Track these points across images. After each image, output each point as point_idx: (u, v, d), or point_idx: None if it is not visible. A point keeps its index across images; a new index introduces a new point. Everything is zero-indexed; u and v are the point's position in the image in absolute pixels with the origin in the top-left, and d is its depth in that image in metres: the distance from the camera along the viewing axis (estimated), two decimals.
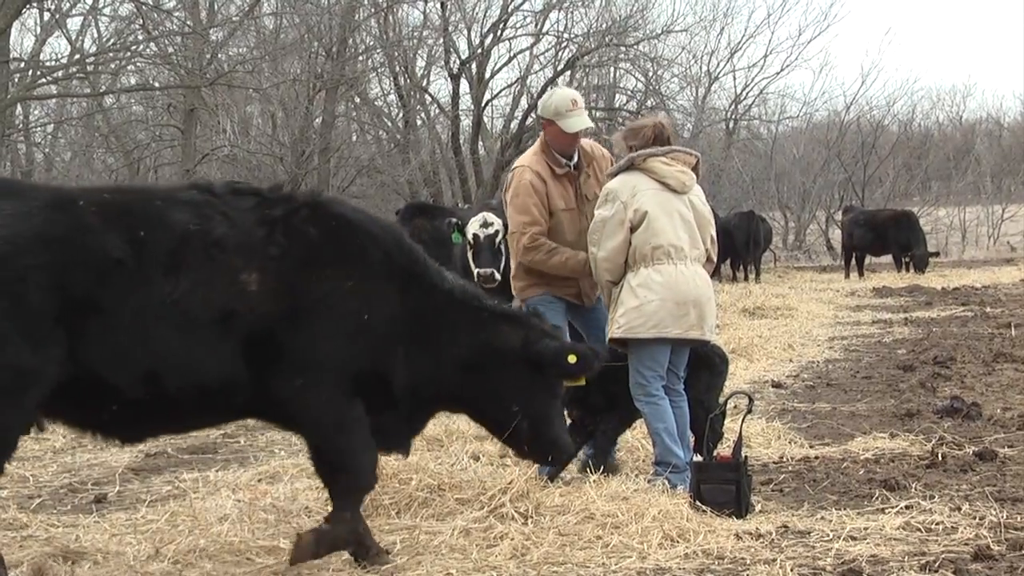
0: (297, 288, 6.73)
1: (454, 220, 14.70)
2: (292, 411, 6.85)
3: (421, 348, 7.10)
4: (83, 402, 6.57)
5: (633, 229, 8.73)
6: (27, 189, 6.76)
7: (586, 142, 9.67)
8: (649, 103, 38.18)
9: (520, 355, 7.33)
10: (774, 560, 6.98)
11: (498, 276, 13.72)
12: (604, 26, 36.31)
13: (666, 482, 8.56)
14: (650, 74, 38.04)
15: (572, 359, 7.36)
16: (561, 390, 7.59)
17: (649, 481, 8.63)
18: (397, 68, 35.85)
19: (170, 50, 28.96)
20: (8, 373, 6.21)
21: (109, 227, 6.47)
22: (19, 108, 30.91)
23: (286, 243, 6.75)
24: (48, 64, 28.88)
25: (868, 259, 35.66)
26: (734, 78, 48.47)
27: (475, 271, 13.94)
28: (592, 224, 8.96)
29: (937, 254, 37.92)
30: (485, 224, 14.01)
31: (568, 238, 9.34)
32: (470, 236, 14.09)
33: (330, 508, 7.10)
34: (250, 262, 6.63)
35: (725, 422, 9.47)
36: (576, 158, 9.46)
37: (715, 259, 9.21)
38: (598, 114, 36.44)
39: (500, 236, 13.90)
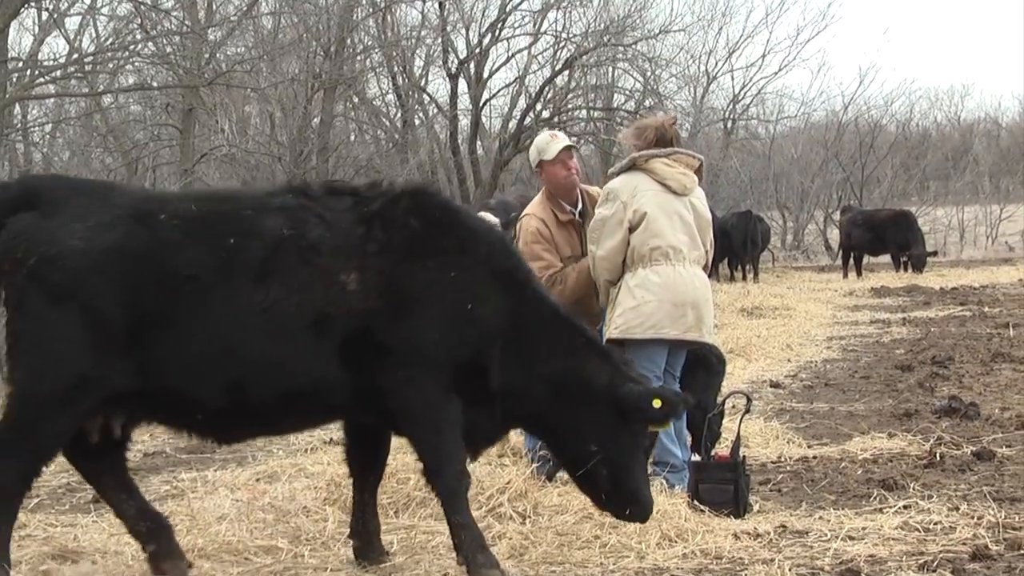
0: (399, 280, 6.63)
1: None
2: (393, 405, 6.71)
3: (514, 355, 6.91)
4: (169, 409, 6.61)
5: (632, 229, 8.72)
6: (115, 195, 6.71)
7: (593, 189, 9.64)
8: (647, 103, 38.13)
9: (605, 393, 6.99)
10: (772, 560, 6.99)
11: None
12: (602, 26, 36.26)
13: (664, 482, 8.56)
14: (648, 74, 37.98)
15: (657, 404, 7.00)
16: (644, 441, 7.24)
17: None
18: (395, 68, 35.83)
19: (168, 50, 28.93)
20: (69, 380, 6.30)
21: (190, 241, 6.47)
22: (17, 108, 30.89)
23: (385, 237, 6.67)
24: (46, 64, 28.81)
25: (866, 259, 35.66)
26: (732, 78, 48.49)
27: None
28: (591, 223, 8.96)
29: (935, 253, 37.93)
30: None
31: (572, 284, 9.32)
32: None
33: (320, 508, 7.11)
34: (348, 262, 6.56)
35: (723, 422, 9.47)
36: (581, 205, 9.43)
37: (710, 262, 9.21)
38: (596, 114, 36.47)
39: None
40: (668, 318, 8.70)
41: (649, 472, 8.79)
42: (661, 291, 8.67)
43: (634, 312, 8.69)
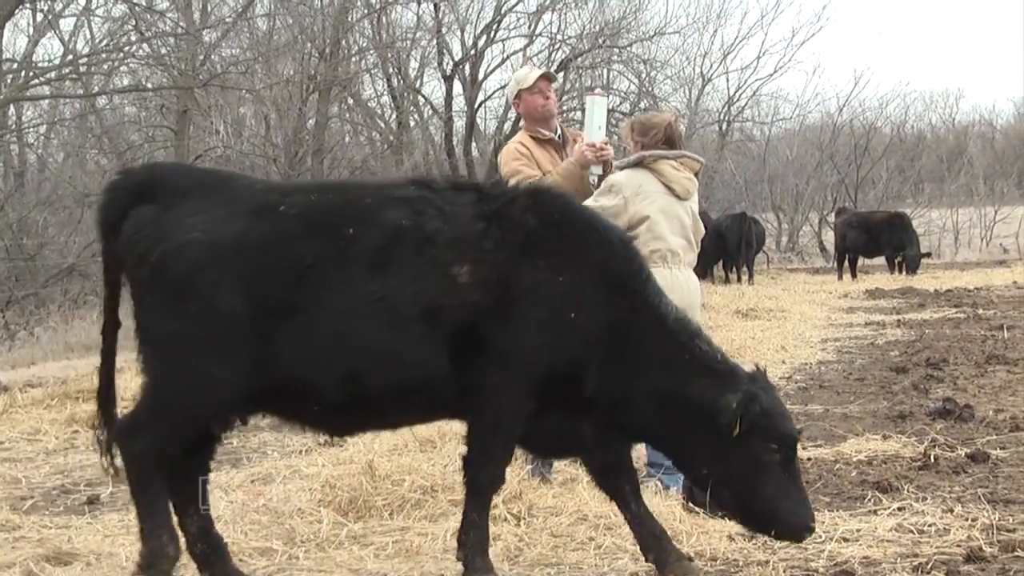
0: (508, 278, 6.49)
1: None
2: (476, 400, 6.53)
3: (617, 364, 6.65)
4: (285, 401, 6.56)
5: (629, 228, 8.70)
6: (235, 186, 6.67)
7: (571, 130, 9.73)
8: (642, 104, 38.18)
9: (707, 414, 6.58)
10: (767, 562, 7.00)
11: None
12: (597, 28, 36.32)
13: (659, 483, 8.56)
14: (643, 76, 38.06)
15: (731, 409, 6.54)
16: (771, 456, 6.66)
17: (642, 482, 8.63)
18: (390, 69, 35.83)
19: (163, 51, 28.94)
20: (192, 378, 6.33)
21: (310, 232, 6.43)
22: (12, 109, 30.89)
23: (501, 234, 6.54)
24: (41, 65, 28.86)
25: (861, 261, 35.69)
26: (727, 80, 48.74)
27: None
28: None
29: (929, 254, 38.00)
30: None
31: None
32: None
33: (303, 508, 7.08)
34: (462, 256, 6.45)
35: None
36: (559, 132, 9.48)
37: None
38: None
39: None
40: None
41: (643, 474, 8.83)
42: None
43: None
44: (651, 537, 6.83)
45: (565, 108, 35.53)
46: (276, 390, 6.42)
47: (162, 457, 6.42)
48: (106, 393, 6.82)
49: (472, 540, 6.56)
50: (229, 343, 6.28)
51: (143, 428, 6.38)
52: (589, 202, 8.56)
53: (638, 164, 8.83)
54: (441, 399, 6.61)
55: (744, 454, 6.59)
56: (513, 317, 6.48)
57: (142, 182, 6.58)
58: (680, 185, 8.80)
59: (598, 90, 10.21)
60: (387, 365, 6.42)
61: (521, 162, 9.24)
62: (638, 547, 6.90)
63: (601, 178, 9.07)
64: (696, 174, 8.98)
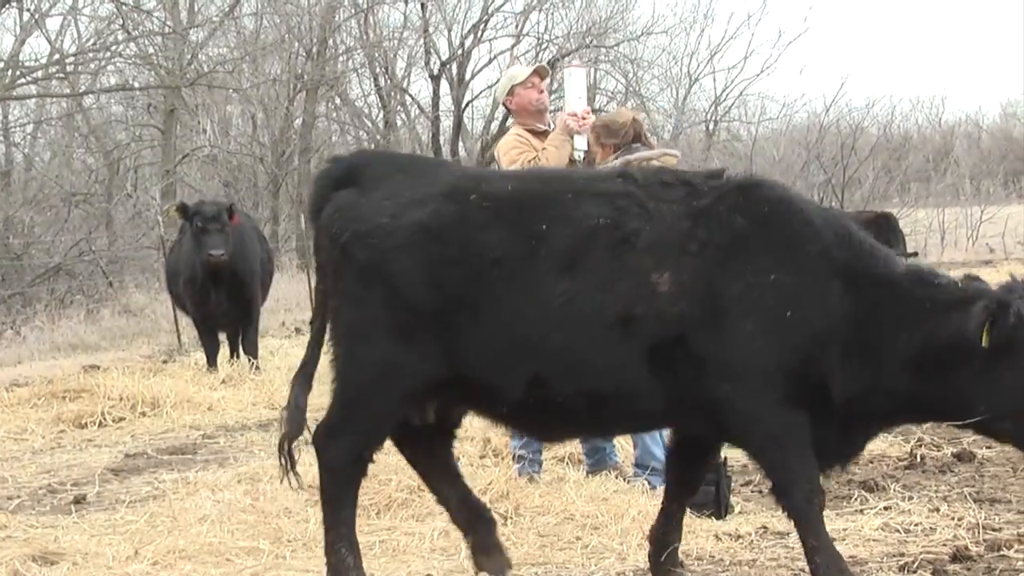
0: (715, 284, 6.08)
1: None
2: (722, 420, 6.17)
3: (859, 354, 6.19)
4: (474, 398, 6.36)
5: None
6: (437, 173, 6.48)
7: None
8: (629, 104, 38.22)
9: (961, 345, 6.07)
10: (754, 560, 7.00)
11: None
12: (584, 28, 36.39)
13: (646, 483, 8.57)
14: (630, 75, 38.16)
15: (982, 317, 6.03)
16: None
17: (628, 482, 8.64)
18: (377, 69, 35.84)
19: (150, 50, 28.95)
20: (378, 365, 6.19)
21: (499, 223, 6.17)
22: None
23: (707, 236, 6.13)
24: (27, 64, 28.83)
25: None
26: (714, 80, 48.71)
27: None
28: None
29: (916, 254, 38.05)
30: None
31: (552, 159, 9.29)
32: None
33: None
34: (663, 260, 6.07)
35: None
36: (552, 126, 9.48)
37: None
38: None
39: None
40: None
41: (631, 474, 8.83)
42: None
43: None
44: None
45: (552, 108, 35.56)
46: (466, 386, 6.24)
47: (361, 462, 6.32)
48: (300, 390, 6.62)
49: (823, 566, 6.12)
50: (414, 331, 6.11)
51: (339, 432, 6.29)
52: None
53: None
54: (645, 410, 6.28)
55: (1014, 373, 6.07)
56: (726, 326, 6.07)
57: (347, 168, 6.49)
58: None
59: (576, 62, 10.28)
60: (574, 372, 6.12)
61: (520, 149, 9.23)
62: None
63: (587, 154, 9.07)
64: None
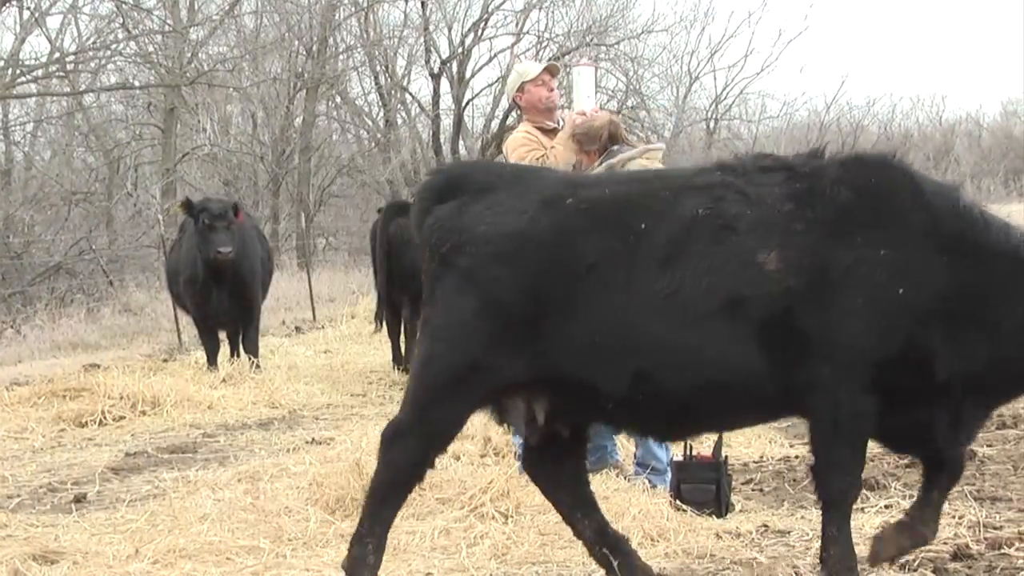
0: (822, 260, 5.96)
1: None
2: (811, 400, 6.05)
3: (971, 329, 6.04)
4: (573, 399, 6.26)
5: None
6: (538, 181, 6.44)
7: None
8: (630, 103, 38.26)
9: None
10: (754, 559, 6.99)
11: None
12: (584, 26, 36.37)
13: (647, 482, 8.57)
14: (631, 74, 38.13)
15: None
16: None
17: (629, 481, 8.64)
18: (378, 67, 35.83)
19: (150, 49, 28.95)
20: (455, 368, 6.15)
21: (597, 227, 6.13)
22: None
23: (812, 213, 6.03)
24: (28, 63, 28.83)
25: None
26: (714, 78, 48.64)
27: None
28: None
29: None
30: None
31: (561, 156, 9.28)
32: None
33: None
34: (768, 240, 5.97)
35: None
36: (561, 123, 9.45)
37: None
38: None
39: None
40: None
41: (631, 473, 8.84)
42: None
43: None
44: None
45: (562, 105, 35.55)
46: (567, 388, 6.18)
47: (422, 466, 6.27)
48: None
49: (835, 558, 6.11)
50: (500, 336, 6.08)
51: (407, 433, 6.23)
52: None
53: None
54: (759, 397, 6.16)
55: None
56: (833, 303, 5.95)
57: (447, 180, 6.49)
58: None
59: (585, 60, 10.23)
60: (683, 364, 6.05)
61: (529, 146, 9.22)
62: None
63: (576, 164, 9.05)
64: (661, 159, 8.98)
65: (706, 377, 6.04)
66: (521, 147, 9.22)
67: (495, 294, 6.09)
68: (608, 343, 6.04)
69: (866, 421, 6.07)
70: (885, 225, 6.05)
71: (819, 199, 6.05)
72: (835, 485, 6.10)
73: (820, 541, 6.21)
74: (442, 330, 6.23)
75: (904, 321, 5.97)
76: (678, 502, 8.04)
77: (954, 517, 7.68)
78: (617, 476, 8.74)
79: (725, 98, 48.51)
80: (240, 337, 16.20)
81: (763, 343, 5.97)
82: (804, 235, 5.99)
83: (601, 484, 8.39)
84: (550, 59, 35.48)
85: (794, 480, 9.04)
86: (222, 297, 15.65)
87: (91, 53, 28.42)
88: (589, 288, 6.06)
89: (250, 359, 15.66)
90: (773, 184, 6.13)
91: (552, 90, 9.48)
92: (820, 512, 6.21)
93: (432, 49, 36.38)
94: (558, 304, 6.08)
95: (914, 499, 6.59)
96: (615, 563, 6.42)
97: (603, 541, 6.47)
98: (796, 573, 6.78)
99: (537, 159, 9.03)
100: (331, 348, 18.50)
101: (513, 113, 34.92)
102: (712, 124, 48.48)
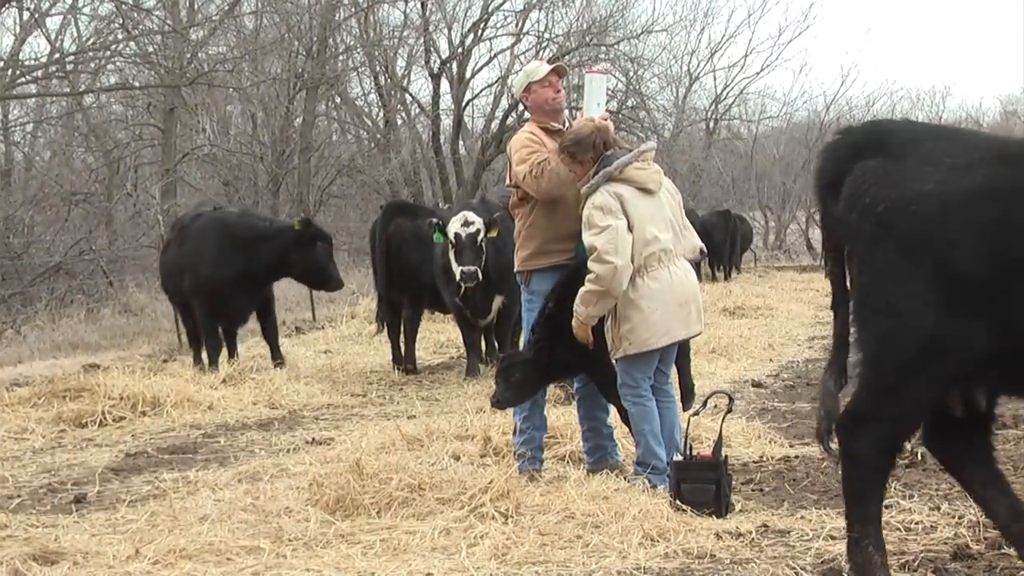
0: None
1: (435, 220, 14.75)
2: None
3: None
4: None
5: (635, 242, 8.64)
6: (969, 138, 6.10)
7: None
8: (629, 103, 38.26)
9: None
10: (755, 559, 6.99)
11: (480, 274, 13.93)
12: (584, 26, 36.36)
13: (647, 482, 8.57)
14: (630, 74, 38.11)
15: None
16: None
17: (629, 481, 8.64)
18: (377, 68, 35.81)
19: (150, 49, 28.93)
20: (921, 343, 5.69)
21: None
22: None
23: None
24: (27, 63, 28.83)
25: None
26: (714, 78, 48.74)
27: (457, 270, 14.07)
28: (605, 234, 8.53)
29: None
30: (466, 223, 14.13)
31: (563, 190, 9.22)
32: (451, 235, 14.19)
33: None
34: None
35: (706, 422, 9.47)
36: (567, 125, 9.41)
37: (694, 244, 9.16)
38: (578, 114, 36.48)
39: (481, 235, 14.03)
40: (676, 319, 8.64)
41: (631, 473, 8.83)
42: (664, 295, 8.58)
43: (644, 324, 8.56)
44: None
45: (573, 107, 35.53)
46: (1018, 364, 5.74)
47: (892, 452, 5.95)
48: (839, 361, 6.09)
49: None
50: (961, 304, 5.61)
51: (869, 420, 5.87)
52: (595, 236, 8.50)
53: (609, 180, 8.70)
54: None
55: None
56: None
57: (864, 137, 6.09)
58: (651, 181, 8.74)
59: (597, 67, 10.17)
60: None
61: (531, 148, 9.18)
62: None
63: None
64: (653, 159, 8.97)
65: None
66: (523, 148, 9.19)
67: (950, 257, 5.63)
68: None
69: None
70: None
71: None
72: None
73: None
74: (893, 301, 5.77)
75: None
76: (678, 502, 8.04)
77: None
78: (617, 476, 8.74)
79: (725, 98, 48.61)
80: (235, 339, 16.46)
81: None
82: None
83: (601, 484, 8.40)
84: (550, 59, 35.51)
85: (794, 480, 9.04)
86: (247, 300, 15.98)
87: (91, 53, 28.41)
88: None
89: (274, 349, 16.36)
90: None
91: (559, 91, 9.44)
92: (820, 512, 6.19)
93: (432, 49, 36.39)
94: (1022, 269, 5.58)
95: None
96: None
97: (1019, 518, 6.15)
98: (796, 573, 6.78)
99: (538, 163, 9.01)
100: (331, 348, 18.50)
101: (513, 114, 35.00)
102: (712, 124, 48.52)
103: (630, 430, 9.05)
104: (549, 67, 9.47)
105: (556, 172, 8.98)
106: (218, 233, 15.97)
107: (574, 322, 8.68)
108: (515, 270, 9.54)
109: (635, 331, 8.59)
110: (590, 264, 8.54)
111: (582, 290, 8.59)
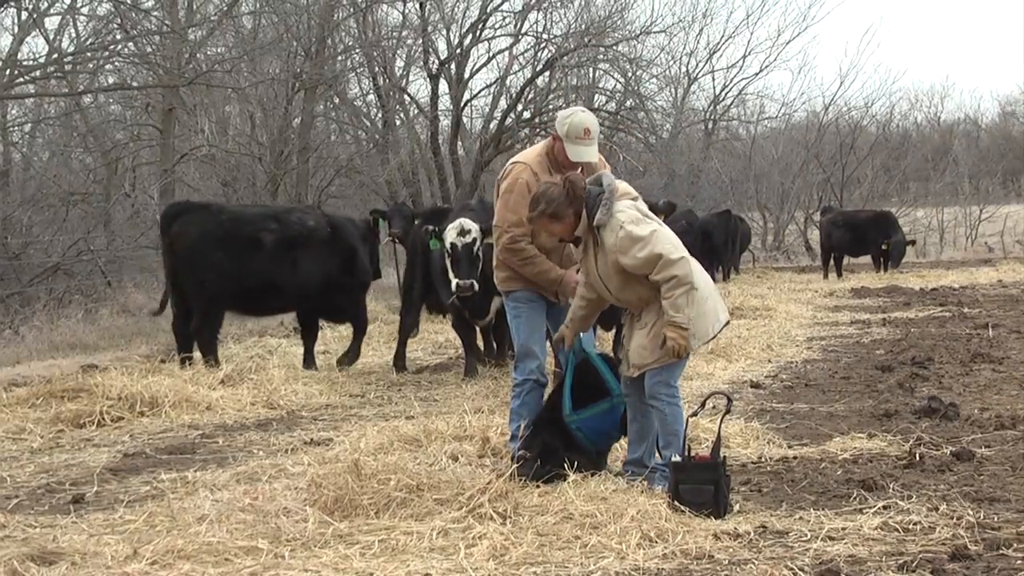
0: None
1: (431, 227, 14.80)
2: None
3: None
4: None
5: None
6: None
7: (602, 160, 9.59)
8: (628, 103, 38.22)
9: None
10: (752, 560, 7.00)
11: (476, 286, 13.95)
12: (583, 27, 36.28)
13: (645, 482, 8.57)
14: (629, 75, 38.06)
15: None
16: None
17: (628, 481, 8.64)
18: (376, 68, 35.76)
19: (148, 49, 28.90)
20: None
21: None
22: None
23: None
24: (25, 63, 28.81)
25: (846, 260, 35.72)
26: (713, 79, 48.69)
27: (454, 282, 14.08)
28: (657, 239, 8.50)
29: (914, 242, 38.15)
30: (462, 232, 14.13)
31: (552, 243, 9.29)
32: (448, 245, 14.19)
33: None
34: None
35: (704, 423, 9.47)
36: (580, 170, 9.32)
37: None
38: None
39: (478, 244, 14.02)
40: (717, 303, 8.82)
41: (628, 472, 8.83)
42: (702, 276, 8.70)
43: (701, 316, 8.62)
44: None
45: (551, 107, 35.52)
46: None
47: None
48: None
49: None
50: None
51: None
52: (651, 247, 8.45)
53: (616, 199, 8.68)
54: None
55: None
56: None
57: None
58: (631, 190, 8.88)
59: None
60: None
61: (525, 202, 9.08)
62: None
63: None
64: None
65: None
66: (520, 197, 9.33)
67: None
68: None
69: None
70: None
71: None
72: None
73: None
74: None
75: None
76: (676, 503, 8.04)
77: (952, 518, 7.69)
78: (616, 476, 8.74)
79: (723, 99, 48.59)
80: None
81: None
82: None
83: (599, 485, 8.41)
84: (548, 60, 35.47)
85: (792, 481, 9.04)
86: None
87: (89, 54, 28.38)
88: None
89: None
90: None
91: (576, 169, 9.23)
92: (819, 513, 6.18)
93: (430, 50, 36.32)
94: None
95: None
96: None
97: None
98: (794, 574, 6.78)
99: (515, 248, 9.39)
100: (330, 348, 18.49)
101: (512, 114, 35.00)
102: (710, 125, 48.49)
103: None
104: (584, 158, 9.33)
105: (532, 260, 9.42)
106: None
107: (674, 334, 8.52)
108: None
109: (704, 318, 8.62)
110: (663, 273, 8.47)
111: (670, 300, 8.48)
